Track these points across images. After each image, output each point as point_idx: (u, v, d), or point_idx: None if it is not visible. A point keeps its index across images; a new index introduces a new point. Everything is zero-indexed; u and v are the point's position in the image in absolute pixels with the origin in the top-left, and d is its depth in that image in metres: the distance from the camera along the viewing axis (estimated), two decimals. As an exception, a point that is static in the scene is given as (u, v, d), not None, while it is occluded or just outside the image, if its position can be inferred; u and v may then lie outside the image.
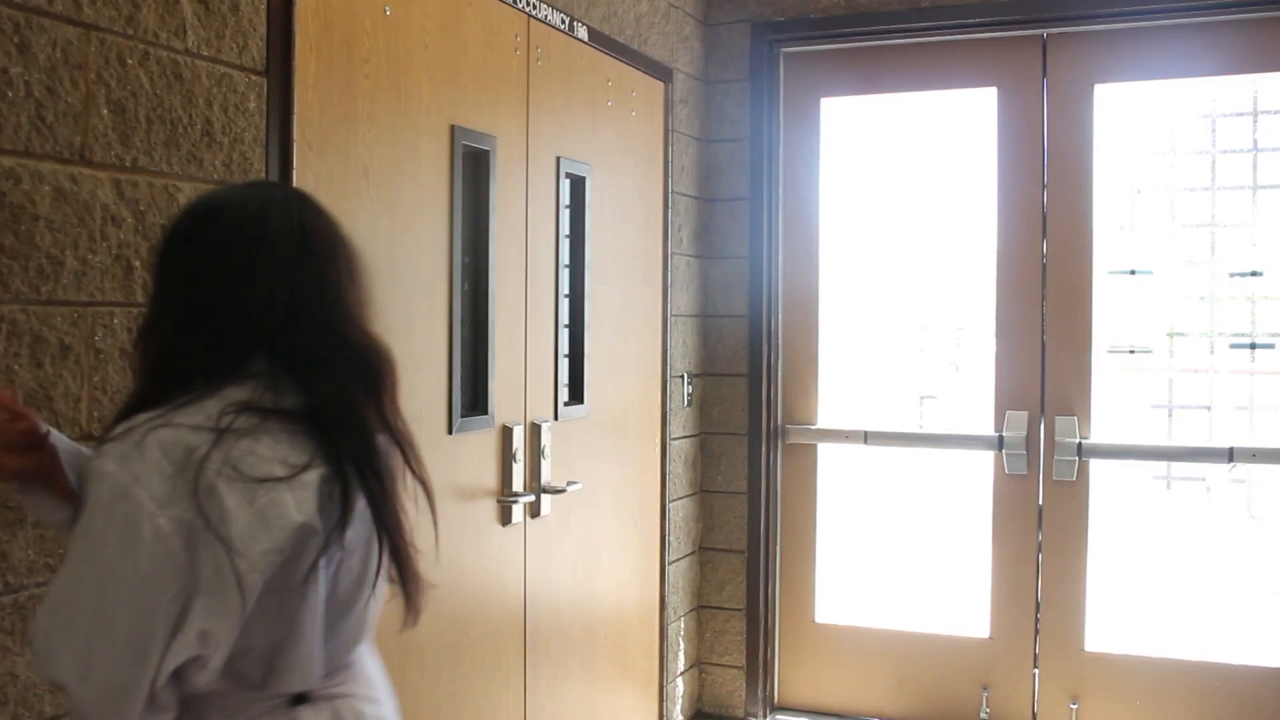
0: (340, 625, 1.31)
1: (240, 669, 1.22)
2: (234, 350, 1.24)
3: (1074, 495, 3.46)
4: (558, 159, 2.86)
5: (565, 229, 2.92)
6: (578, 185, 2.98)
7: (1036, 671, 3.52)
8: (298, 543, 1.19)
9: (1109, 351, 3.63)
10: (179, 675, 1.18)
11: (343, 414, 1.26)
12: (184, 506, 1.14)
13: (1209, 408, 3.95)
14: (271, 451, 1.19)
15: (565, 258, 2.91)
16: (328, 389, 1.26)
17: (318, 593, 1.24)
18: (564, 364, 2.91)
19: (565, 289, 2.92)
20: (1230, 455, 3.33)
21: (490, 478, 2.55)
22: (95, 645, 1.14)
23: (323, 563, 1.23)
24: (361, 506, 1.26)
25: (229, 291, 1.25)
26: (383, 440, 1.34)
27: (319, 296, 1.29)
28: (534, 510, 2.76)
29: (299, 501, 1.19)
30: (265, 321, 1.25)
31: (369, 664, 1.43)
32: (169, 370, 1.25)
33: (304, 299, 1.28)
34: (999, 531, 3.56)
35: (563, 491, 2.84)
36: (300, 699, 1.28)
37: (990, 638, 3.58)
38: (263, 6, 1.88)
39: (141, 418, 1.18)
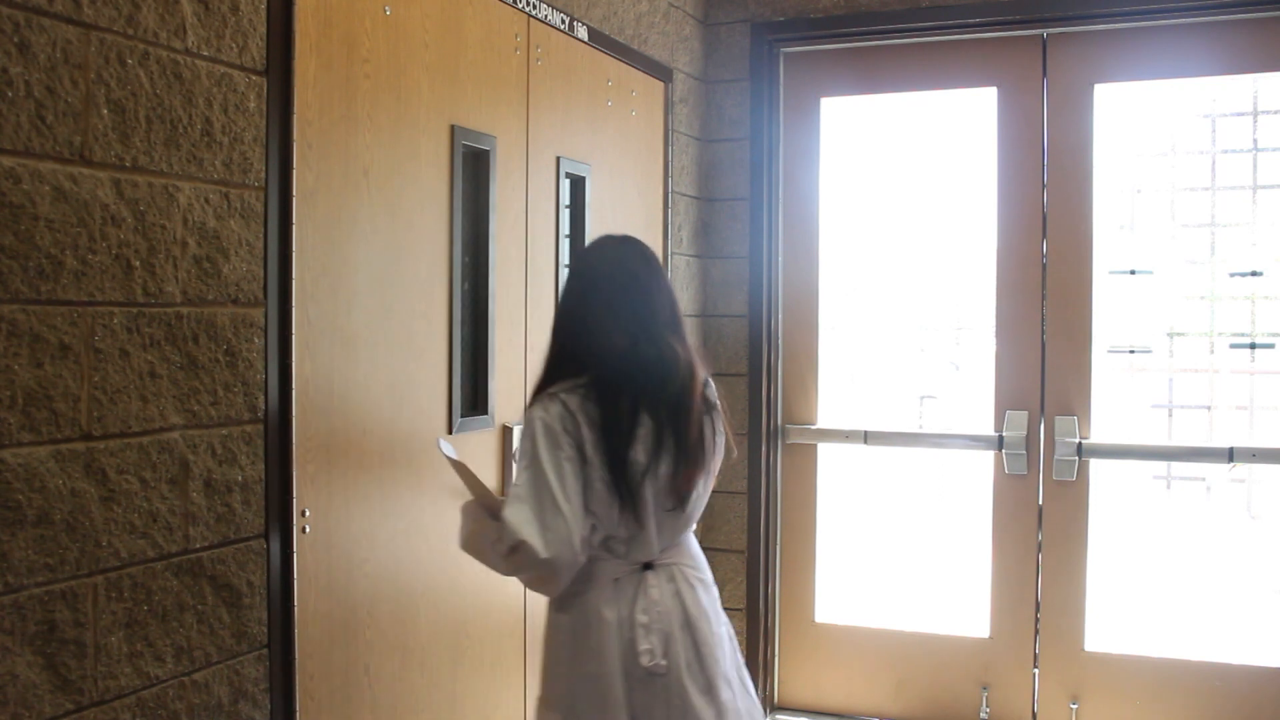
0: (666, 520, 2.01)
1: (612, 545, 1.98)
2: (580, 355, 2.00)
3: (1074, 495, 3.46)
4: (558, 159, 2.86)
5: (565, 229, 2.92)
6: (578, 185, 2.97)
7: (1036, 671, 3.52)
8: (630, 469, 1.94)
9: (1109, 351, 3.62)
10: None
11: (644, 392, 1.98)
12: (571, 436, 1.90)
13: (1209, 408, 3.94)
14: (599, 410, 1.92)
15: (566, 258, 2.91)
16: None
17: (649, 500, 1.96)
18: (564, 364, 2.91)
19: (565, 289, 2.92)
20: (1230, 455, 3.33)
21: (491, 478, 2.55)
22: (545, 514, 1.85)
23: (648, 481, 1.95)
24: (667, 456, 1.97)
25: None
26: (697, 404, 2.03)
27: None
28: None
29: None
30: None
31: (692, 543, 2.12)
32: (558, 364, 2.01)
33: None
34: (999, 531, 3.56)
35: (563, 491, 2.84)
36: (647, 566, 2.01)
37: (990, 638, 3.58)
38: (263, 6, 1.88)
39: (548, 389, 1.95)
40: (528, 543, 1.83)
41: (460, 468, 1.97)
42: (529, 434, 1.91)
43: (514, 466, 2.02)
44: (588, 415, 1.91)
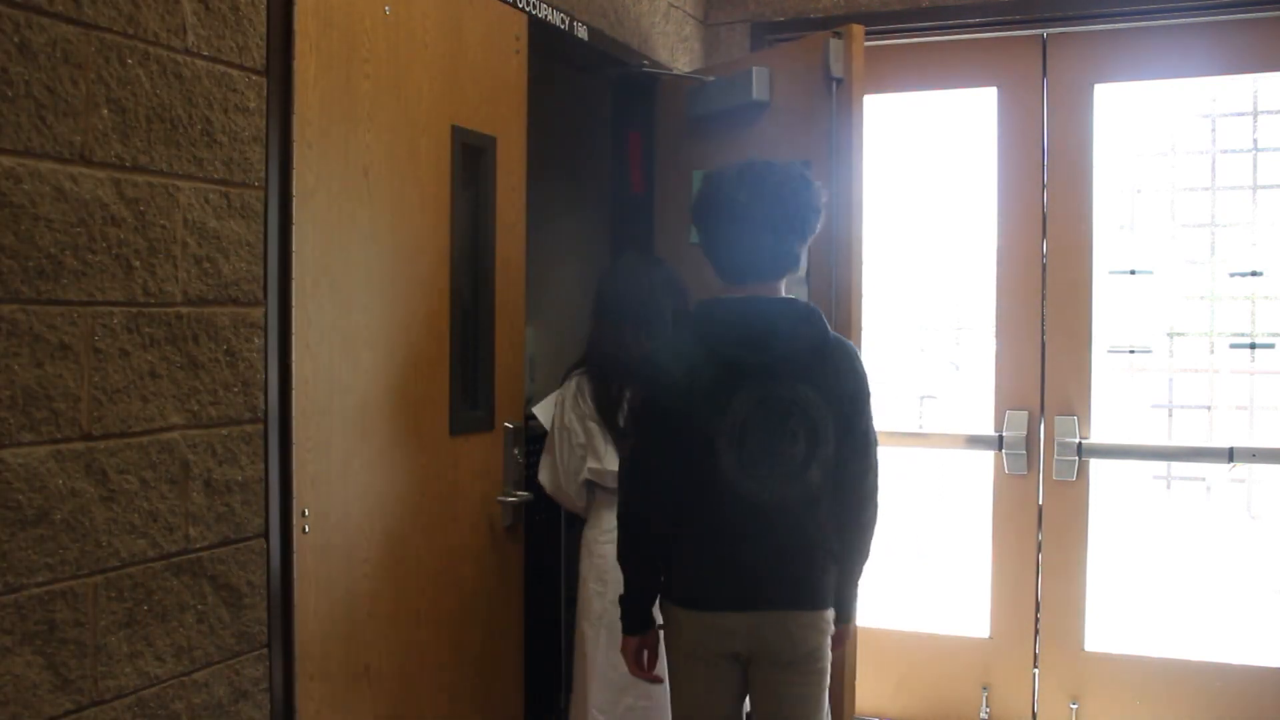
0: None
1: None
2: None
3: (1074, 495, 3.46)
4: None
5: (565, 229, 2.92)
6: (578, 185, 2.98)
7: (1036, 671, 3.51)
8: None
9: (1109, 351, 3.62)
10: None
11: None
12: None
13: (1209, 408, 3.94)
14: None
15: (565, 258, 2.91)
16: None
17: None
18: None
19: (565, 289, 2.92)
20: (1230, 455, 3.33)
21: (493, 478, 2.55)
22: None
23: None
24: None
25: None
26: None
27: None
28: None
29: None
30: None
31: None
32: None
33: None
34: (999, 531, 3.56)
35: (563, 491, 2.84)
36: None
37: (990, 638, 3.58)
38: (263, 6, 1.88)
39: None
40: None
41: None
42: None
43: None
44: None
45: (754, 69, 3.03)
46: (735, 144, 3.15)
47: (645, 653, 2.21)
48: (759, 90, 3.01)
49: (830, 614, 2.14)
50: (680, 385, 2.06)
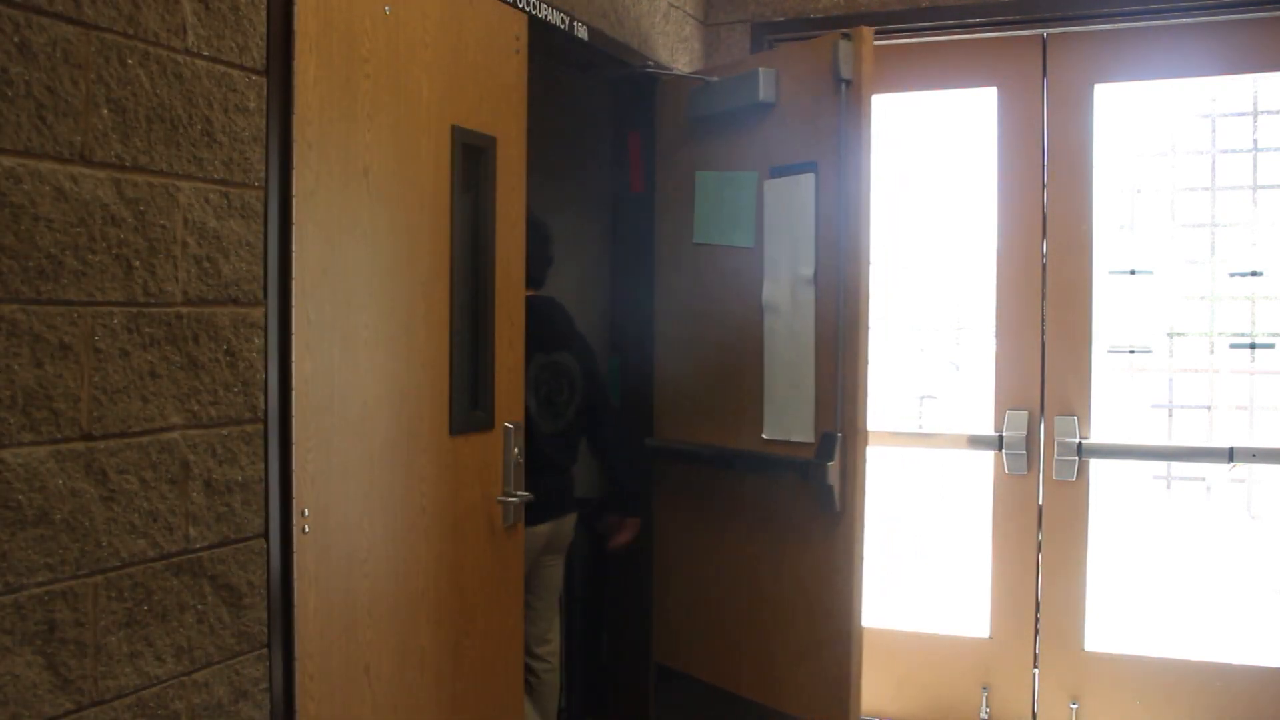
0: None
1: None
2: None
3: (1074, 495, 3.46)
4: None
5: (565, 229, 2.91)
6: (578, 185, 2.98)
7: (1036, 671, 3.52)
8: None
9: (1109, 351, 3.62)
10: None
11: None
12: None
13: (1209, 408, 3.94)
14: None
15: (565, 258, 2.91)
16: None
17: None
18: (564, 364, 2.91)
19: (565, 289, 2.92)
20: (1230, 455, 3.33)
21: (492, 478, 2.55)
22: None
23: None
24: None
25: None
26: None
27: None
28: (534, 510, 2.75)
29: None
30: None
31: None
32: None
33: None
34: (999, 531, 3.56)
35: (563, 491, 2.83)
36: None
37: (990, 638, 3.58)
38: (263, 6, 1.88)
39: None
40: None
41: None
42: None
43: None
44: None
45: (760, 70, 3.03)
46: (739, 145, 3.15)
47: None
48: (765, 91, 3.00)
49: None
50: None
